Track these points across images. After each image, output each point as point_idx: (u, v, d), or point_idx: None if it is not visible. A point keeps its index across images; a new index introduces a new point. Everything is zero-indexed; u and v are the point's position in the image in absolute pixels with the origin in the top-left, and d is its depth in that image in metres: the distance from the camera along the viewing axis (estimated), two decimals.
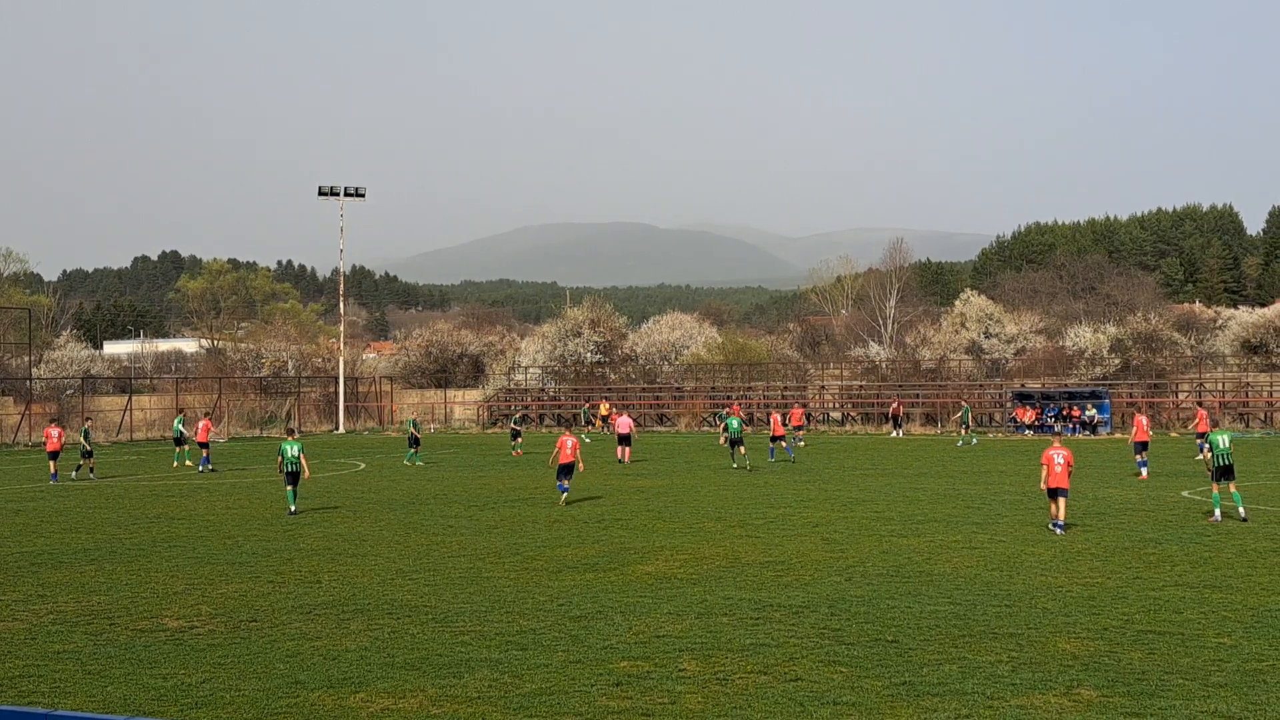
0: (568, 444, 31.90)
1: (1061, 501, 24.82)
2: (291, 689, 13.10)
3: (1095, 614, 16.38)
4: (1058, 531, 24.41)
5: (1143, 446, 38.35)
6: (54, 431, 43.08)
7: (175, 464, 47.76)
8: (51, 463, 42.10)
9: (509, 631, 15.73)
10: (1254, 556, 21.14)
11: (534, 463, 47.02)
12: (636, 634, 15.47)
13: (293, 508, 29.85)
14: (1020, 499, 30.82)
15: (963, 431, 57.04)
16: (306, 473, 30.68)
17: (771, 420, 47.97)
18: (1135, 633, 15.24)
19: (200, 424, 47.97)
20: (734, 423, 43.92)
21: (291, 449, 30.20)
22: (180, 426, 49.62)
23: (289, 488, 30.07)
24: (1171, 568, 20.09)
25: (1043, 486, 25.24)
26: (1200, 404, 50.97)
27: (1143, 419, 39.97)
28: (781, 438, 46.77)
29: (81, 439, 45.28)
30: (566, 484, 31.66)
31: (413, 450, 47.95)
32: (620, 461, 45.67)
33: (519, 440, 54.89)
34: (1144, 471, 37.40)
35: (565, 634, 15.54)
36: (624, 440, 46.48)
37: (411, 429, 49.13)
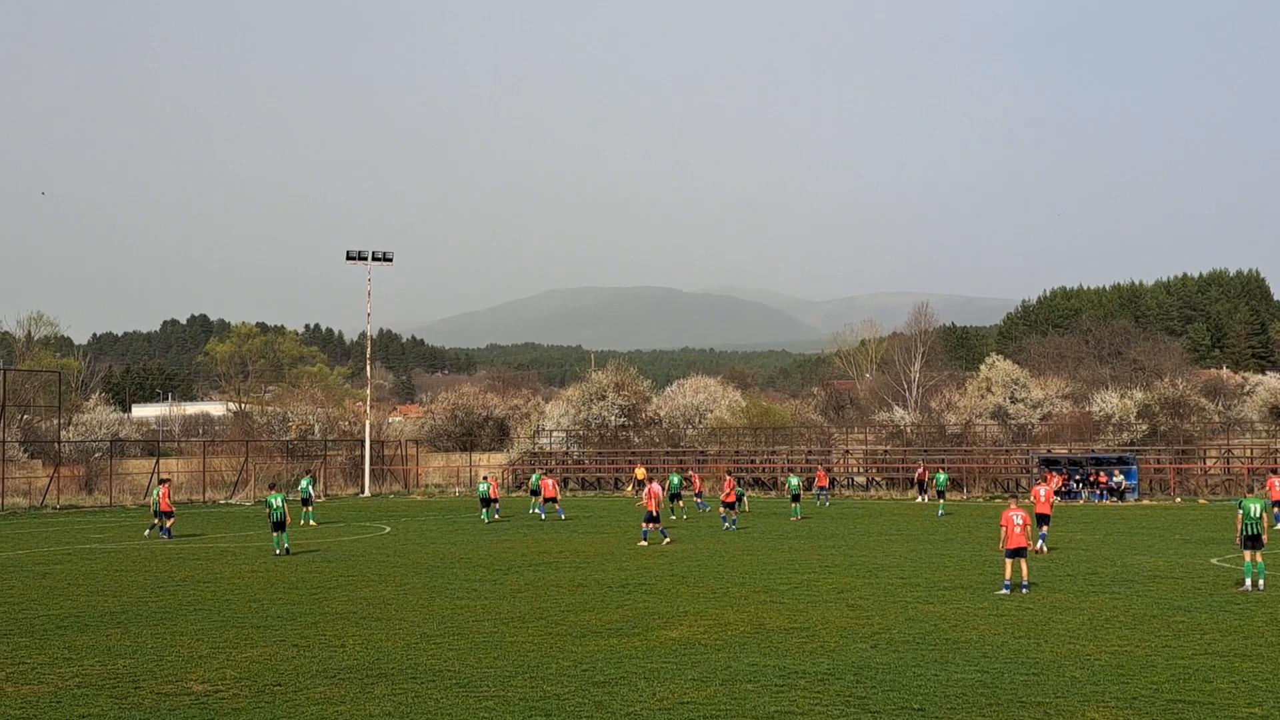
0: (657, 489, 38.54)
1: (1022, 562, 25.79)
2: None
3: (1124, 683, 16.25)
4: (1008, 592, 25.18)
5: (1044, 519, 34.87)
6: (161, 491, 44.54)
7: (302, 521, 49.02)
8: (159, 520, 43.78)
9: (532, 697, 15.70)
10: None
11: (558, 526, 46.94)
12: (660, 700, 15.42)
13: (286, 547, 35.67)
14: (1047, 565, 30.61)
15: (934, 499, 53.27)
16: (289, 518, 36.37)
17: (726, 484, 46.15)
18: (1164, 702, 15.11)
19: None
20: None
21: (276, 500, 35.88)
22: (309, 487, 51.78)
23: (276, 534, 35.64)
24: (1201, 636, 19.92)
25: (1002, 548, 25.95)
26: (1275, 471, 49.26)
27: (1040, 490, 35.94)
28: (732, 504, 45.03)
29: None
30: (650, 528, 38.05)
31: (484, 509, 50.64)
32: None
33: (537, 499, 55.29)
34: (1042, 545, 34.03)
35: (589, 700, 15.50)
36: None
37: (483, 492, 51.42)
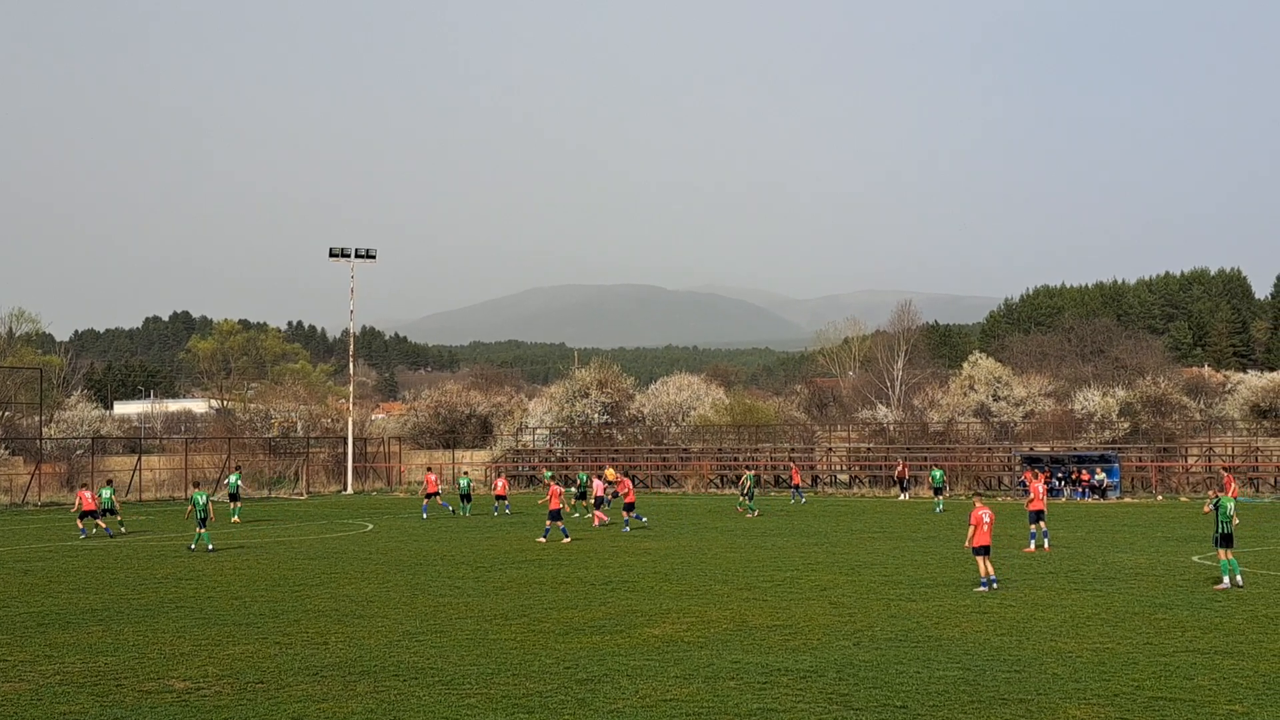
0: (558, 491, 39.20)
1: (986, 559, 26.13)
2: None
3: (1105, 680, 16.30)
4: (985, 589, 25.39)
5: (1038, 516, 34.64)
6: (87, 494, 43.34)
7: (233, 519, 49.31)
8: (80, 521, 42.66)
9: (515, 694, 15.69)
10: (1265, 623, 21.03)
11: (541, 524, 46.81)
12: (643, 698, 15.42)
13: (210, 547, 36.18)
14: (1029, 563, 30.70)
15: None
16: (212, 516, 37.86)
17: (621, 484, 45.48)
18: (1146, 699, 15.16)
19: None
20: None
21: (201, 498, 36.93)
22: (237, 482, 52.50)
23: (201, 530, 36.55)
24: (1182, 633, 19.99)
25: (969, 545, 26.32)
26: (1226, 469, 50.05)
27: (1038, 485, 35.35)
28: (631, 505, 43.75)
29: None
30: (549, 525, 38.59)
31: (465, 504, 53.56)
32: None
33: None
34: (1032, 544, 34.22)
35: (572, 697, 15.49)
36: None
37: (464, 487, 54.41)
